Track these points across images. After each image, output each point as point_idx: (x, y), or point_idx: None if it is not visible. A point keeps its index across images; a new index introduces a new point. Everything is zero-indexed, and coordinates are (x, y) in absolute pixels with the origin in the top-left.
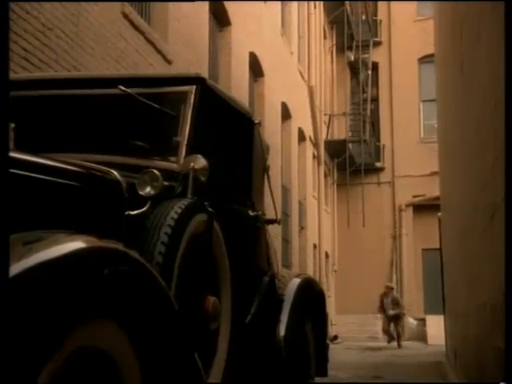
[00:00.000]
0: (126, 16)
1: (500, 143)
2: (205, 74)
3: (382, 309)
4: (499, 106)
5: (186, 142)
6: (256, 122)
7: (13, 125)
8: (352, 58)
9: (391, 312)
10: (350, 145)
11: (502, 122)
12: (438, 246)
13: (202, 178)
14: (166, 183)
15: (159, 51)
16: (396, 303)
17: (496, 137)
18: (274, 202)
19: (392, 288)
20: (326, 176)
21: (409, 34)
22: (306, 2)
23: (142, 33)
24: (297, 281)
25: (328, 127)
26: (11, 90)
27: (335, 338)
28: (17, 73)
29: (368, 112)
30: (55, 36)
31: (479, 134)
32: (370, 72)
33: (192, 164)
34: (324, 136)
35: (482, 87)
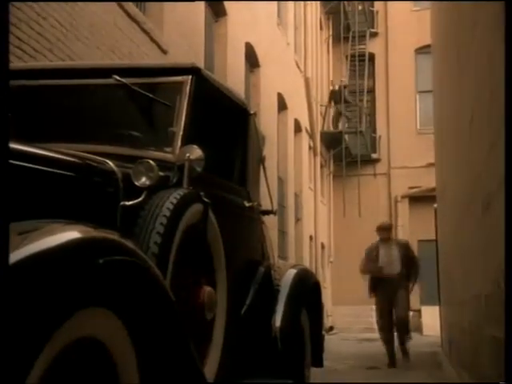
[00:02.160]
0: (121, 5)
1: (495, 133)
2: (200, 65)
3: (371, 279)
4: (495, 95)
5: (181, 132)
6: (252, 112)
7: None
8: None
9: (396, 270)
10: (346, 136)
11: (498, 111)
12: (433, 238)
13: (198, 169)
14: (161, 173)
15: (154, 41)
16: (409, 258)
17: (491, 127)
18: (269, 193)
19: (390, 228)
20: (322, 167)
21: (405, 24)
22: None
23: (137, 22)
24: (292, 272)
25: (324, 118)
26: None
27: (331, 328)
28: (11, 62)
29: (364, 103)
30: (50, 25)
31: (474, 124)
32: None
33: (187, 154)
34: (320, 127)
35: (478, 77)
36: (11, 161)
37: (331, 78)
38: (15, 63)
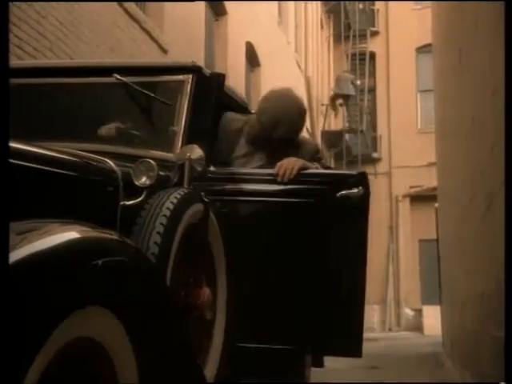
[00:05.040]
0: (121, 4)
1: (497, 132)
2: (201, 64)
3: None
4: (496, 93)
5: (182, 131)
6: (252, 111)
7: None
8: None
9: None
10: (347, 135)
11: (499, 110)
12: (434, 237)
13: (198, 168)
14: (161, 173)
15: (155, 40)
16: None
17: (493, 126)
18: None
19: None
20: None
21: (406, 23)
22: None
23: (137, 21)
24: None
25: (325, 117)
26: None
27: None
28: (11, 61)
29: (365, 102)
30: (50, 24)
31: (476, 123)
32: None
33: (188, 154)
34: (321, 126)
35: (480, 75)
36: (11, 160)
37: (332, 77)
38: (14, 62)
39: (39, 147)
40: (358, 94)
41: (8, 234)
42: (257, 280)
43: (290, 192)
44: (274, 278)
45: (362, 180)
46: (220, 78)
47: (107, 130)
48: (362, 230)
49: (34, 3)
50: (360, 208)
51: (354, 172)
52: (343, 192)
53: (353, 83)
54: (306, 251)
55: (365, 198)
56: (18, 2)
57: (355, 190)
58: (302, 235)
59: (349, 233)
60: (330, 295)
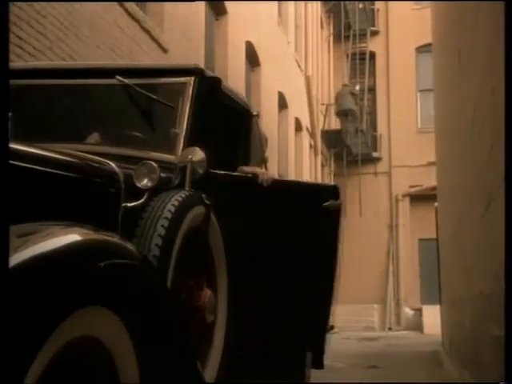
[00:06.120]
0: (121, 4)
1: (496, 131)
2: (201, 63)
3: None
4: (496, 93)
5: (183, 133)
6: (254, 113)
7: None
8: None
9: None
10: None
11: (499, 110)
12: (434, 236)
13: (200, 171)
14: (163, 175)
15: (155, 40)
16: None
17: (492, 126)
18: None
19: None
20: (323, 166)
21: (406, 23)
22: None
23: (137, 21)
24: None
25: (325, 117)
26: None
27: (332, 328)
28: (12, 61)
29: (365, 102)
30: (50, 24)
31: (476, 122)
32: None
33: (190, 156)
34: (321, 126)
35: (479, 74)
36: (12, 161)
37: (332, 77)
38: (15, 62)
39: (40, 149)
40: (358, 97)
41: (8, 235)
42: (252, 281)
43: (279, 199)
44: (268, 279)
45: (337, 192)
46: (221, 80)
47: (92, 139)
48: (336, 235)
49: (35, 3)
50: (336, 216)
51: (330, 184)
52: (328, 202)
53: (352, 93)
54: (292, 253)
55: (339, 208)
56: (18, 2)
57: (337, 202)
58: (289, 239)
59: (326, 238)
60: (319, 296)
